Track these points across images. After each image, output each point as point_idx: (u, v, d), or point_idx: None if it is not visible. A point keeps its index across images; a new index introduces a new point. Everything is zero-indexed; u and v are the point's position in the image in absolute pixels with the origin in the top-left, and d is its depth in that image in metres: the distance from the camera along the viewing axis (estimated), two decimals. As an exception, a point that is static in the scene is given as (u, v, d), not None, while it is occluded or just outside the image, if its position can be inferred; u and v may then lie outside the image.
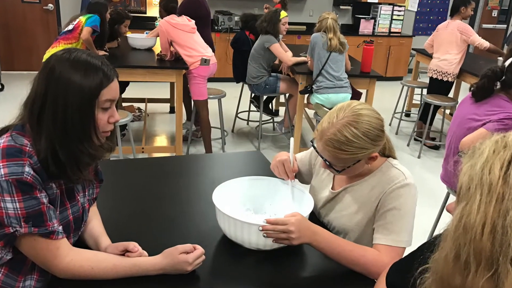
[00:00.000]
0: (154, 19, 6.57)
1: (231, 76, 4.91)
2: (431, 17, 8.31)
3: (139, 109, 5.39)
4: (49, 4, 6.56)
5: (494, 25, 8.57)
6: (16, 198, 1.07)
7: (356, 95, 4.02)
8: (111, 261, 1.21)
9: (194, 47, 3.88)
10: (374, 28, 7.71)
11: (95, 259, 1.20)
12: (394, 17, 7.69)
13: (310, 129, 5.23)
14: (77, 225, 1.28)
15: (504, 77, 2.40)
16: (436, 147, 4.92)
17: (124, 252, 1.26)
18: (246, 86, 4.79)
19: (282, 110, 5.58)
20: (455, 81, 4.88)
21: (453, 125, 2.65)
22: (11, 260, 1.17)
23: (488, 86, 2.47)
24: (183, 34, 3.86)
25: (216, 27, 6.70)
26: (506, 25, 8.45)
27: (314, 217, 1.61)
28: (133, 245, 1.27)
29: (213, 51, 4.18)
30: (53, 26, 6.68)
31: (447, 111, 5.66)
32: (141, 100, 5.42)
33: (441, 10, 8.28)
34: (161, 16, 4.00)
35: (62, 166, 1.14)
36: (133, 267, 1.22)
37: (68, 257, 1.17)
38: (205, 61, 3.86)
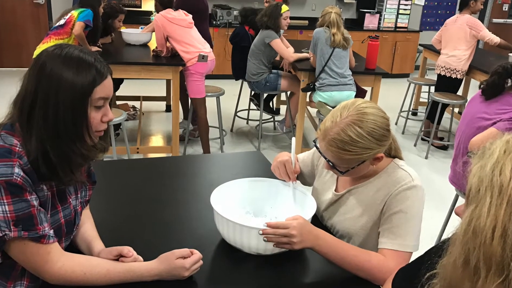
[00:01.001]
0: (149, 13, 6.58)
1: (230, 73, 4.91)
2: (439, 12, 8.32)
3: (133, 107, 5.39)
4: (40, -2, 6.57)
5: (505, 20, 8.57)
6: (5, 201, 1.07)
7: (360, 93, 4.03)
8: (105, 266, 1.21)
9: (192, 42, 3.88)
10: (379, 23, 7.71)
11: (87, 264, 1.20)
12: (401, 11, 7.69)
13: (313, 128, 5.23)
14: (69, 228, 1.28)
15: (515, 74, 2.40)
16: (444, 147, 4.92)
17: (118, 257, 1.26)
18: (245, 84, 4.79)
19: (283, 108, 5.58)
20: (464, 78, 4.88)
21: (462, 124, 2.65)
22: (0, 265, 1.17)
23: (499, 84, 2.48)
24: (180, 29, 3.86)
25: (214, 22, 6.70)
26: (517, 20, 8.46)
27: (317, 220, 1.61)
28: (128, 250, 1.27)
29: (211, 47, 4.18)
30: (44, 21, 6.68)
31: (456, 110, 5.66)
32: (136, 98, 5.43)
33: (449, 4, 8.29)
34: (157, 10, 4.00)
35: (53, 167, 1.14)
36: (128, 273, 1.22)
37: (60, 262, 1.16)
38: (202, 58, 3.86)
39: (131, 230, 1.51)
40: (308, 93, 4.21)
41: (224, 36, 6.65)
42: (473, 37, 4.57)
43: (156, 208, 1.66)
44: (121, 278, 1.21)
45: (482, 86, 2.58)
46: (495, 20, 8.52)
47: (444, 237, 2.25)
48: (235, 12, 6.66)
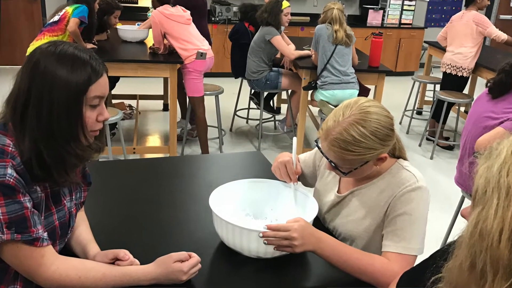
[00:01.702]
0: (146, 9, 6.57)
1: (229, 71, 4.91)
2: (445, 8, 8.31)
3: (130, 106, 5.39)
4: (33, -6, 6.57)
5: (513, 16, 8.57)
6: (-3, 202, 1.07)
7: (363, 92, 4.03)
8: (100, 270, 1.21)
9: (190, 39, 3.88)
10: (383, 19, 7.71)
11: (82, 268, 1.20)
12: (405, 7, 7.69)
13: (314, 128, 5.23)
14: (64, 231, 1.28)
15: (523, 72, 2.40)
16: (450, 148, 4.92)
17: (114, 261, 1.26)
18: (245, 82, 4.79)
19: (284, 107, 5.58)
20: (471, 76, 4.88)
21: (468, 123, 2.65)
22: (-8, 269, 1.17)
23: (506, 82, 2.48)
24: (178, 25, 3.86)
25: (213, 18, 6.70)
26: (525, 16, 8.46)
27: (319, 222, 1.61)
28: (124, 253, 1.27)
29: (210, 44, 4.19)
30: (37, 17, 6.68)
31: (462, 109, 5.66)
32: (133, 97, 5.42)
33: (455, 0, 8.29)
34: (154, 6, 4.01)
35: (47, 168, 1.14)
36: (124, 277, 1.22)
37: (54, 265, 1.16)
38: (201, 55, 3.86)
39: (127, 233, 1.51)
40: (310, 92, 4.21)
41: (223, 33, 6.65)
42: (480, 34, 4.57)
43: (153, 210, 1.66)
44: (117, 282, 1.21)
45: (489, 84, 2.58)
46: (502, 17, 8.52)
47: (449, 239, 2.25)
48: (235, 8, 6.66)
